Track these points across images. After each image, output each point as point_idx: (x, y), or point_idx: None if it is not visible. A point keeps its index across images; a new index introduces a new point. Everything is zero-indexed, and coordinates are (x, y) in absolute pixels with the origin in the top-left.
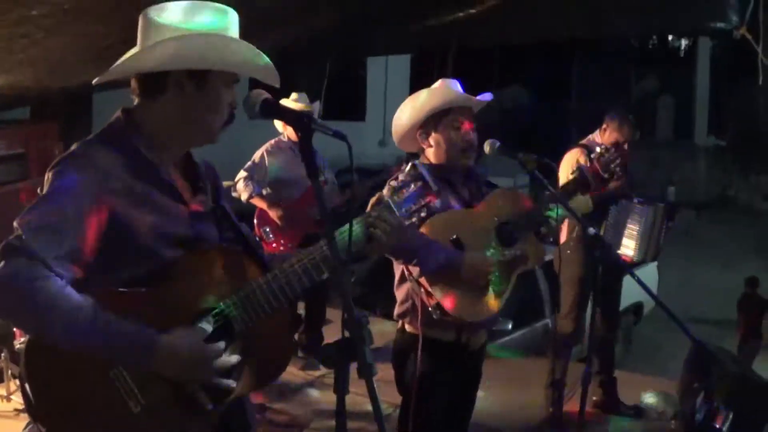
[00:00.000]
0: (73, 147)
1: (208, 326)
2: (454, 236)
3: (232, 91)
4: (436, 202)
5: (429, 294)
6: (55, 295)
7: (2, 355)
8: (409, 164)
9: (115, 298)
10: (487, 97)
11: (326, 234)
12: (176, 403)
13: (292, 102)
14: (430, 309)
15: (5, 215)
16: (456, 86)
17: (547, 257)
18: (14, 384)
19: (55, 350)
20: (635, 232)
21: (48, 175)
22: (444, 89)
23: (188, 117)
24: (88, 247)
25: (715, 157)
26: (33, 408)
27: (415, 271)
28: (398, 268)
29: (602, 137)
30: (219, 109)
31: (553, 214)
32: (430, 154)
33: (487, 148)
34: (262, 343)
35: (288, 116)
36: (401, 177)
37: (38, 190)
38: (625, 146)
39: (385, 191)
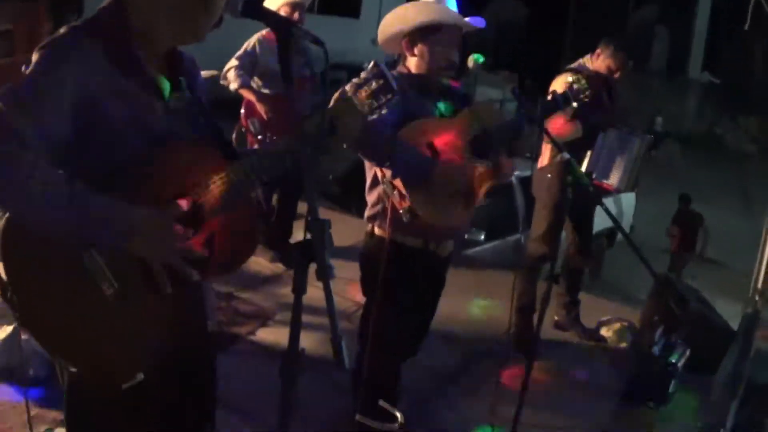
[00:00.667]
0: (62, 30)
1: (184, 204)
2: (429, 142)
3: None
4: (395, 99)
5: (402, 196)
6: (32, 168)
7: None
8: (371, 62)
9: (87, 184)
10: (479, 23)
11: (300, 136)
12: (147, 286)
13: None
14: (401, 211)
15: None
16: (453, 4)
17: (526, 173)
18: None
19: (29, 234)
20: (621, 162)
21: (35, 56)
22: (440, 6)
23: (180, 14)
24: (64, 131)
25: (706, 93)
26: (7, 292)
27: (388, 173)
28: (370, 172)
29: (594, 63)
30: (213, 10)
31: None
32: (411, 63)
33: (470, 62)
34: (228, 233)
35: (269, 19)
36: (363, 75)
37: (23, 68)
38: (616, 75)
39: (347, 87)
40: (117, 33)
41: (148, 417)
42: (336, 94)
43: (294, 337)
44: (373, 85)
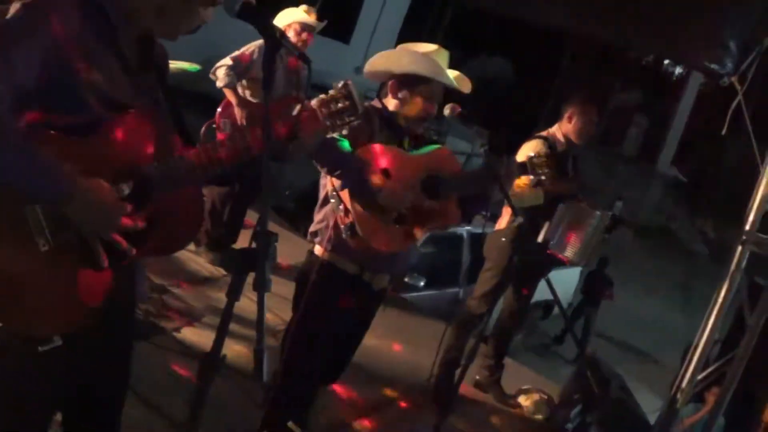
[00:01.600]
0: None
1: (125, 188)
2: (384, 167)
3: (210, 11)
4: (357, 122)
5: (346, 211)
6: None
7: None
8: (342, 83)
9: (44, 140)
10: (465, 88)
11: (265, 146)
12: (80, 252)
13: (299, 12)
14: (342, 227)
15: None
16: (445, 58)
17: (478, 230)
18: None
19: None
20: (578, 235)
21: (15, 6)
22: (436, 63)
23: (165, 14)
24: (31, 87)
25: (670, 187)
26: None
27: (338, 183)
28: (323, 190)
29: (564, 127)
30: (192, 19)
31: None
32: (390, 102)
33: (447, 110)
34: (171, 215)
35: (261, 26)
36: (331, 92)
37: None
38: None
39: (314, 102)
40: (101, 2)
41: (59, 386)
42: (298, 106)
43: (219, 339)
44: (339, 105)
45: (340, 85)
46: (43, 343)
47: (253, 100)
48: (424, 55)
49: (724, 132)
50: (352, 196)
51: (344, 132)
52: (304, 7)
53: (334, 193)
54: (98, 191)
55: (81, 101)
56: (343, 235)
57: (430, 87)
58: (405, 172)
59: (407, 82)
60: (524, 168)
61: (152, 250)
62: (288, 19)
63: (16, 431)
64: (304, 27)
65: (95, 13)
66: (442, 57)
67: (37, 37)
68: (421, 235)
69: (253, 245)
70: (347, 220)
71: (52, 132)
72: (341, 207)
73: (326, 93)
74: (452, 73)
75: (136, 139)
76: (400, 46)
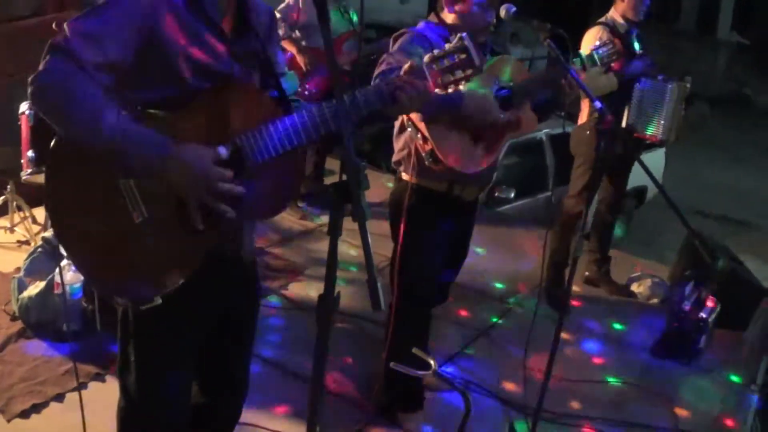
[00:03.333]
0: None
1: (223, 151)
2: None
3: None
4: (474, 75)
5: (425, 140)
6: (86, 93)
7: (8, 187)
8: (457, 36)
9: (138, 116)
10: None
11: (336, 90)
12: (176, 221)
13: None
14: (423, 154)
15: (19, 50)
16: None
17: (557, 131)
18: (18, 216)
19: (76, 154)
20: (660, 112)
21: None
22: None
23: None
24: (127, 62)
25: (736, 53)
26: (50, 205)
27: (415, 114)
28: (398, 118)
29: (620, 7)
30: None
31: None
32: (449, 17)
33: (502, 12)
34: (268, 181)
35: None
36: (447, 47)
37: (53, 25)
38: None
39: (425, 59)
40: None
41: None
42: (406, 66)
43: (330, 278)
44: (455, 59)
45: (455, 39)
46: (143, 303)
47: (309, 45)
48: None
49: None
50: (429, 122)
51: (460, 87)
52: None
53: (410, 122)
54: (196, 155)
55: (176, 74)
56: (426, 163)
57: None
58: (481, 89)
59: None
60: (592, 59)
61: (251, 213)
62: None
63: (161, 390)
64: None
65: None
66: None
67: (128, 15)
68: (500, 147)
69: (343, 177)
70: (427, 148)
71: (145, 109)
72: (419, 135)
73: (440, 49)
74: None
75: (231, 110)
76: None
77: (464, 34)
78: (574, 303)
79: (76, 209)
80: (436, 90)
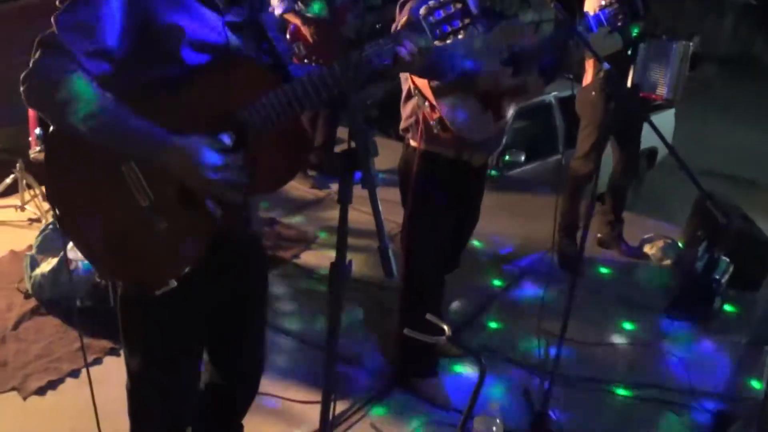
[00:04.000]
0: None
1: (227, 139)
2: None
3: None
4: (477, 26)
5: (432, 108)
6: (80, 87)
7: (17, 165)
8: None
9: (135, 104)
10: None
11: (340, 51)
12: (182, 203)
13: None
14: (432, 123)
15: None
16: None
17: (565, 93)
18: (28, 194)
19: (75, 141)
20: (666, 71)
21: None
22: None
23: None
24: (119, 46)
25: (742, 14)
26: (50, 192)
27: (420, 82)
28: (405, 84)
29: None
30: None
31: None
32: None
33: None
34: (272, 151)
35: None
36: None
37: (57, 2)
38: None
39: (421, 11)
40: None
41: (199, 327)
42: (403, 19)
43: (342, 247)
44: (451, 9)
45: None
46: (158, 287)
47: (313, 16)
48: None
49: None
50: (437, 90)
51: (459, 37)
52: None
53: (416, 90)
54: (198, 146)
55: (171, 52)
56: (434, 131)
57: None
58: (489, 54)
59: None
60: (599, 20)
61: (259, 188)
62: None
63: (169, 373)
64: None
65: None
66: None
67: (115, 0)
68: (508, 113)
69: (351, 145)
70: (435, 116)
71: (144, 93)
72: (426, 104)
73: (434, 2)
74: None
75: (229, 84)
76: None
77: None
78: (587, 265)
79: (79, 196)
80: (436, 42)
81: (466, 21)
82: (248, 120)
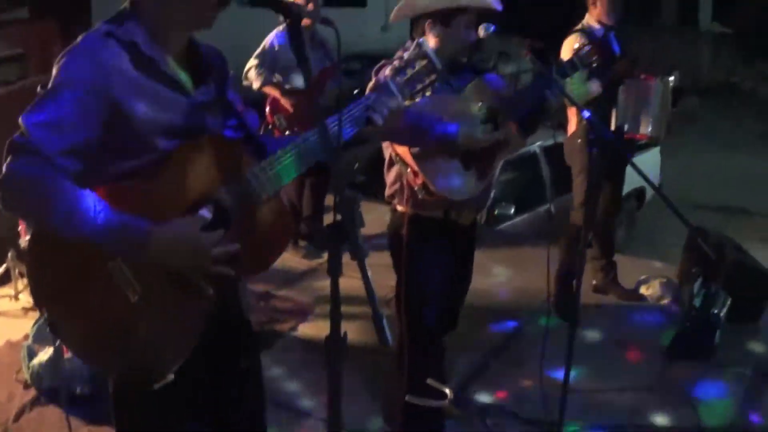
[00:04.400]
0: (79, 38)
1: (207, 213)
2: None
3: None
4: (438, 84)
5: (415, 174)
6: (56, 190)
7: (9, 254)
8: (414, 43)
9: (114, 192)
10: (498, 5)
11: (317, 121)
12: (173, 290)
13: None
14: (415, 189)
15: (6, 115)
16: None
17: (549, 142)
18: (21, 283)
19: (57, 241)
20: (648, 110)
21: (54, 68)
22: None
23: (174, 1)
24: (90, 140)
25: (719, 43)
26: (37, 296)
27: (401, 149)
28: (387, 151)
29: (594, 13)
30: None
31: (575, 85)
32: (430, 40)
33: (481, 31)
34: (258, 229)
35: (278, 5)
36: (406, 56)
37: (38, 89)
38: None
39: (387, 71)
40: (132, 31)
41: (193, 415)
42: (371, 83)
43: (335, 320)
44: (416, 66)
45: (412, 46)
46: (156, 381)
47: (292, 87)
48: None
49: None
50: (417, 156)
51: (427, 94)
52: None
53: (398, 157)
54: (181, 230)
55: (142, 140)
56: (419, 196)
57: (467, 16)
58: (465, 115)
59: (444, 18)
60: (573, 64)
61: (249, 268)
62: None
63: None
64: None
65: (132, 47)
66: None
67: (83, 93)
68: (493, 169)
69: (338, 217)
70: (418, 181)
71: (120, 184)
72: (408, 170)
73: (399, 59)
74: None
75: (205, 165)
76: None
77: (421, 40)
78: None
79: (66, 298)
80: (405, 102)
81: (432, 77)
82: (228, 200)
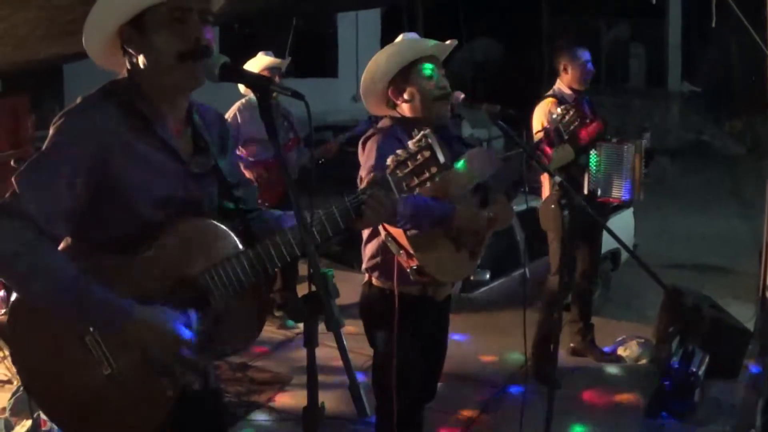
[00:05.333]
0: (77, 101)
1: (194, 316)
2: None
3: (188, 26)
4: (441, 174)
5: (409, 255)
6: (40, 259)
7: None
8: (420, 134)
9: (98, 263)
10: (450, 42)
11: (294, 208)
12: (144, 368)
13: (261, 58)
14: (408, 270)
15: None
16: (416, 37)
17: (521, 207)
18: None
19: (35, 312)
20: (620, 173)
21: (50, 130)
22: (405, 41)
23: (152, 65)
24: (80, 205)
25: (689, 103)
26: (15, 358)
27: (396, 231)
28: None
29: (565, 79)
30: (166, 50)
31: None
32: (406, 109)
33: (452, 99)
34: (234, 315)
35: (247, 79)
36: (410, 146)
37: (11, 162)
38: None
39: (388, 162)
40: (129, 97)
41: None
42: (369, 178)
43: (312, 391)
44: (418, 159)
45: (418, 136)
46: None
47: (255, 160)
48: (392, 46)
49: (713, 24)
50: (413, 239)
51: (427, 185)
52: (260, 53)
53: (390, 238)
54: (161, 321)
55: (132, 208)
56: (411, 277)
57: (421, 64)
58: (458, 194)
59: (402, 79)
60: (559, 133)
61: (219, 353)
62: (254, 68)
63: None
64: (272, 70)
65: (129, 113)
66: (413, 36)
67: (76, 157)
68: (482, 248)
69: (312, 288)
70: (412, 263)
71: (104, 252)
72: (402, 252)
73: (402, 150)
74: (429, 42)
75: (189, 244)
76: (372, 59)
77: (427, 131)
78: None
79: (44, 366)
80: (402, 195)
81: (434, 171)
82: (209, 284)
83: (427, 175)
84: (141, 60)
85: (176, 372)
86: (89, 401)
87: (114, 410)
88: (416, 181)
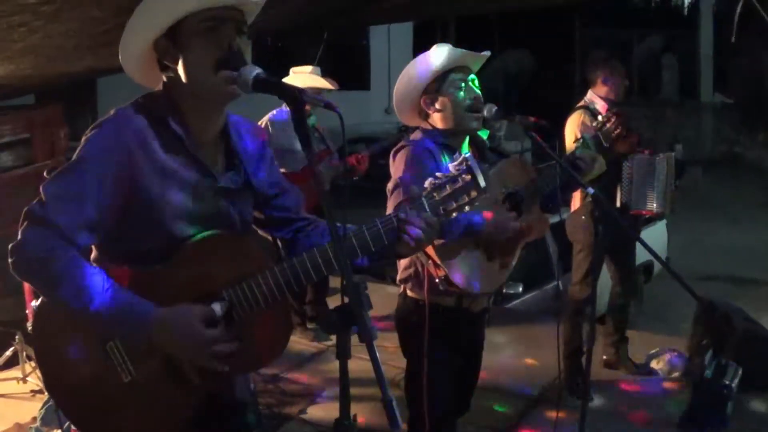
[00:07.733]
0: (110, 113)
1: (218, 309)
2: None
3: (222, 33)
4: (480, 197)
5: (437, 266)
6: (66, 265)
7: (17, 337)
8: (462, 157)
9: (124, 273)
10: (484, 53)
11: (328, 220)
12: (165, 376)
13: (311, 77)
14: (437, 280)
15: (12, 201)
16: (449, 47)
17: (554, 219)
18: (29, 366)
19: (59, 318)
20: (653, 185)
21: (82, 140)
22: (438, 51)
23: (188, 76)
24: (107, 216)
25: (721, 114)
26: (44, 374)
27: None
28: None
29: (600, 90)
30: (202, 61)
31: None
32: (438, 120)
33: (485, 113)
34: (259, 330)
35: (279, 90)
36: (452, 168)
37: (45, 173)
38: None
39: (426, 185)
40: (163, 112)
41: None
42: (401, 201)
43: (344, 403)
44: (459, 183)
45: (459, 159)
46: None
47: (285, 171)
48: (424, 56)
49: (733, 39)
50: (440, 249)
51: (466, 209)
52: (308, 68)
53: None
54: (186, 320)
55: (160, 223)
56: (440, 288)
57: (454, 75)
58: (488, 203)
59: (435, 88)
60: (599, 141)
61: (245, 366)
62: (300, 84)
63: None
64: (319, 92)
65: (161, 128)
66: (445, 47)
67: (104, 168)
68: (514, 259)
69: (345, 300)
70: (440, 273)
71: (130, 264)
72: (429, 261)
73: (441, 174)
74: (461, 52)
75: (217, 259)
76: (403, 71)
77: (468, 155)
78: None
79: (66, 369)
80: (437, 218)
81: (474, 194)
82: (234, 299)
83: (466, 199)
84: (177, 71)
85: (203, 364)
86: (108, 407)
87: (133, 418)
88: (454, 205)
